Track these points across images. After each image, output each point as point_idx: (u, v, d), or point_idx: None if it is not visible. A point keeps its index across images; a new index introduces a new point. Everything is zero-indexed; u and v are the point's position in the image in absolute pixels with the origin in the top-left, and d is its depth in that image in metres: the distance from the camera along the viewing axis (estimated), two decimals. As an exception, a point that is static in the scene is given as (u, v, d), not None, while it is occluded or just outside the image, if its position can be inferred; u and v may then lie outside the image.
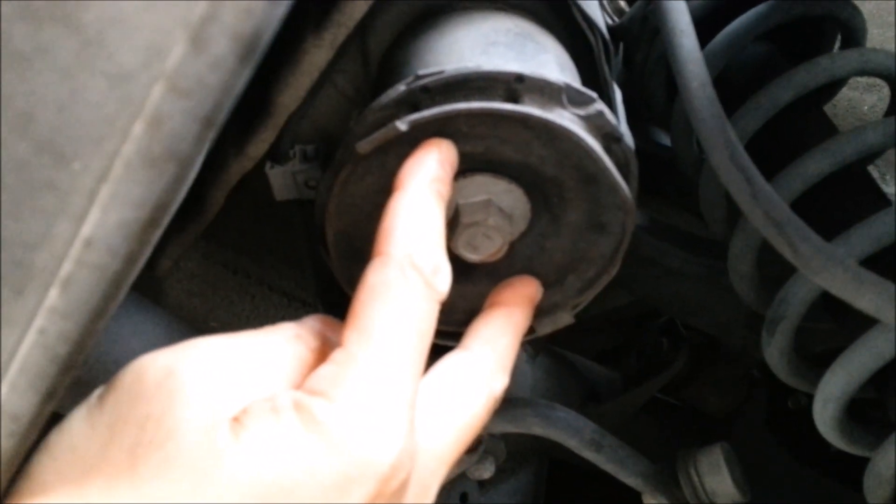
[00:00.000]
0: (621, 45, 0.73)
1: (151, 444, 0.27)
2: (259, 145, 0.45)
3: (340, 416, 0.30)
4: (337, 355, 0.33)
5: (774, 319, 0.52)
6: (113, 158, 0.20)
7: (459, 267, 0.48)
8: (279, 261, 0.70)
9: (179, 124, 0.20)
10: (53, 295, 0.21)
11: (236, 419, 0.29)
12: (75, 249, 0.21)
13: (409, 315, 0.35)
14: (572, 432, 0.58)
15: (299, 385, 0.33)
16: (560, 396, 0.78)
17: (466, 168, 0.44)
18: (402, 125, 0.40)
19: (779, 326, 0.52)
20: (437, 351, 0.63)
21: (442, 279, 0.38)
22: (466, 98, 0.41)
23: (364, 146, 0.41)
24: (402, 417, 0.32)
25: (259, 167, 0.52)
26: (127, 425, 0.28)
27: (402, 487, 0.32)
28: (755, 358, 0.73)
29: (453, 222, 0.45)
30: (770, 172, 0.50)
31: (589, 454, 0.58)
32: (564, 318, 0.51)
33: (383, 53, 0.52)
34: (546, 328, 0.51)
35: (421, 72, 0.42)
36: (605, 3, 0.75)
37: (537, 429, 0.58)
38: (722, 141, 0.45)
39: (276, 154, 0.54)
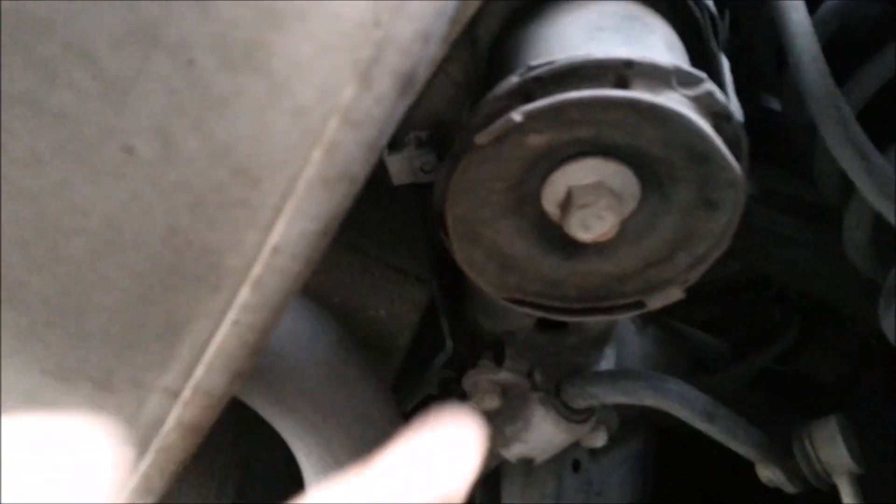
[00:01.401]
0: (727, 12, 0.72)
1: None
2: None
3: None
4: None
5: (893, 290, 0.52)
6: (295, 180, 0.23)
7: (570, 246, 0.51)
8: (396, 240, 0.74)
9: (350, 150, 0.23)
10: (245, 293, 0.25)
11: None
12: (264, 255, 0.25)
13: None
14: (685, 404, 0.59)
15: None
16: (669, 367, 0.79)
17: (577, 152, 0.46)
18: (517, 116, 0.43)
19: (897, 297, 0.51)
20: (545, 330, 0.65)
21: None
22: (577, 86, 0.43)
23: (482, 137, 0.44)
24: None
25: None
26: None
27: None
28: (871, 327, 0.71)
29: (566, 204, 0.47)
30: (886, 140, 0.49)
31: (702, 425, 0.60)
32: (675, 294, 0.52)
33: (492, 41, 0.54)
34: (656, 303, 0.53)
35: (532, 62, 0.44)
36: (710, -30, 0.74)
37: (649, 400, 0.60)
38: (834, 115, 0.45)
39: (392, 141, 0.58)
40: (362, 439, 0.65)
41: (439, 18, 0.23)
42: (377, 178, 0.61)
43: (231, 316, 0.26)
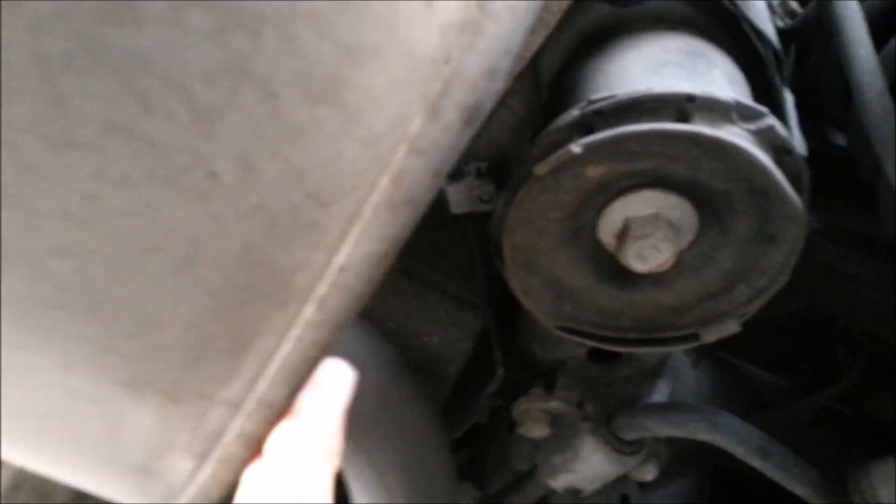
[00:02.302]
0: (793, 47, 0.72)
1: None
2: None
3: None
4: None
5: (961, 332, 0.50)
6: (363, 204, 0.25)
7: (626, 276, 0.51)
8: (452, 268, 0.75)
9: (416, 177, 0.25)
10: (310, 310, 0.27)
11: None
12: (330, 274, 0.26)
13: None
14: (738, 439, 0.58)
15: None
16: (724, 402, 0.78)
17: (636, 183, 0.47)
18: (576, 148, 0.44)
19: (967, 340, 0.50)
20: (600, 360, 0.65)
21: None
22: (638, 119, 0.44)
23: (541, 168, 0.45)
24: None
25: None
26: None
27: None
28: (941, 370, 0.69)
29: (622, 235, 0.48)
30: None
31: (755, 462, 0.59)
32: (731, 327, 0.52)
33: (555, 75, 0.56)
34: (712, 336, 0.53)
35: (593, 96, 0.45)
36: (775, 5, 0.74)
37: (702, 434, 0.59)
38: (901, 153, 0.44)
39: (452, 171, 0.59)
40: (412, 464, 0.65)
41: (506, 56, 0.24)
42: (436, 207, 0.62)
43: (295, 332, 0.27)
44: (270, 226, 0.26)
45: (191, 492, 0.36)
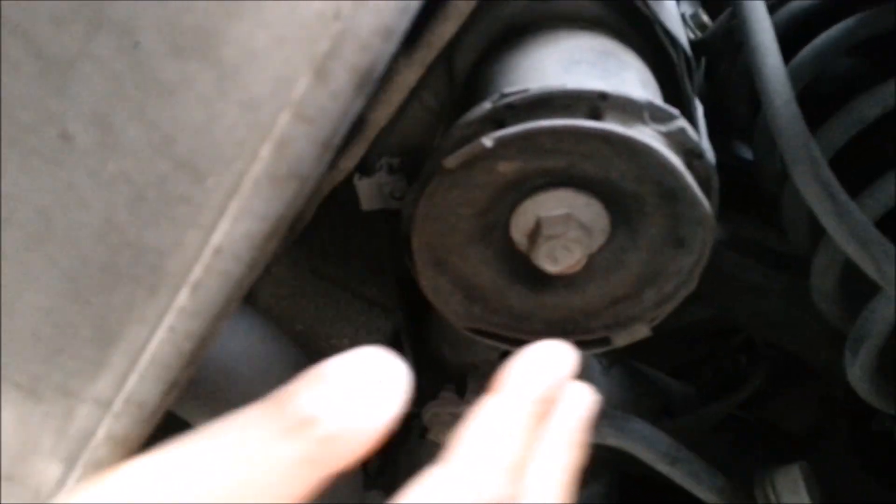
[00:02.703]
0: (703, 59, 0.73)
1: None
2: (351, 159, 0.47)
3: None
4: None
5: (858, 338, 0.51)
6: (242, 176, 0.22)
7: (538, 278, 0.50)
8: (363, 268, 0.72)
9: (302, 147, 0.22)
10: (183, 296, 0.24)
11: None
12: (205, 256, 0.23)
13: None
14: (647, 444, 0.58)
15: None
16: (633, 409, 0.78)
17: (548, 182, 0.46)
18: (487, 141, 0.42)
19: (863, 345, 0.51)
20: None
21: None
22: (550, 115, 0.43)
23: (451, 161, 0.43)
24: None
25: (347, 179, 0.54)
26: None
27: None
28: (838, 378, 0.71)
29: (534, 234, 0.47)
30: (856, 190, 0.49)
31: (663, 467, 0.59)
32: (641, 331, 0.52)
33: (468, 70, 0.54)
34: (623, 340, 0.52)
35: (506, 90, 0.44)
36: (687, 17, 0.75)
37: (612, 439, 0.59)
38: (806, 158, 0.45)
39: (364, 166, 0.57)
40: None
41: (402, 14, 0.22)
42: (346, 204, 0.60)
43: (167, 321, 0.24)
44: (135, 199, 0.23)
45: (60, 500, 0.32)
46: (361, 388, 0.24)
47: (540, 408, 0.30)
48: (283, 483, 0.23)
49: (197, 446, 0.23)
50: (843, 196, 0.44)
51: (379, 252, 0.71)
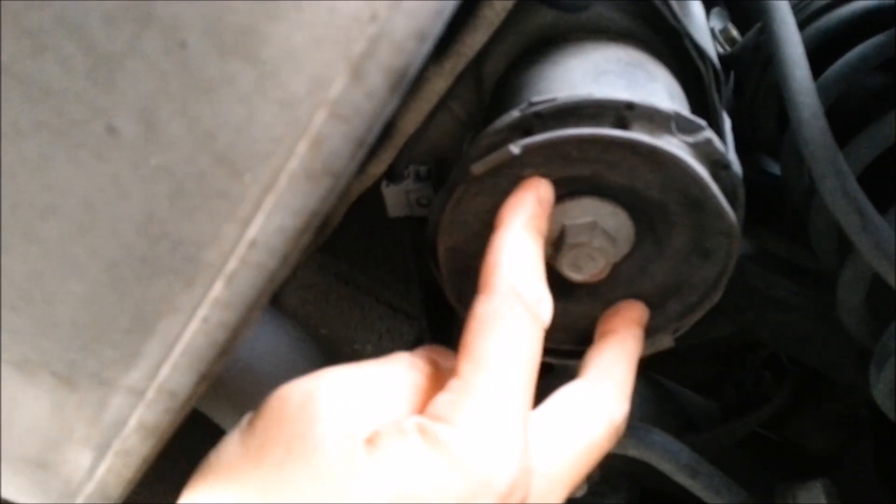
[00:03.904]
0: (732, 74, 0.73)
1: (298, 458, 0.31)
2: (379, 165, 0.48)
3: (462, 439, 0.33)
4: (454, 384, 0.37)
5: (884, 354, 0.51)
6: (278, 172, 0.23)
7: (562, 286, 0.50)
8: (388, 274, 0.73)
9: (337, 145, 0.23)
10: (218, 288, 0.25)
11: (369, 440, 0.33)
12: (240, 249, 0.24)
13: (517, 344, 0.38)
14: (668, 456, 0.58)
15: (419, 408, 0.37)
16: (655, 422, 0.78)
17: (574, 190, 0.46)
18: (514, 149, 0.43)
19: (888, 362, 0.51)
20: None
21: (545, 308, 0.41)
22: (577, 124, 0.43)
23: (478, 168, 0.44)
24: (517, 439, 0.34)
25: (375, 185, 0.55)
26: (275, 444, 0.32)
27: (518, 497, 0.35)
28: (863, 396, 0.70)
29: (559, 242, 0.47)
30: (884, 206, 0.49)
31: (684, 480, 0.58)
32: (665, 342, 0.52)
33: (497, 80, 0.55)
34: (646, 350, 0.52)
35: (534, 99, 0.44)
36: (716, 32, 0.75)
37: (632, 450, 0.59)
38: (833, 171, 0.45)
39: (391, 173, 0.58)
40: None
41: (436, 18, 0.22)
42: (373, 211, 0.61)
43: (202, 312, 0.25)
44: (176, 193, 0.24)
45: (89, 489, 0.33)
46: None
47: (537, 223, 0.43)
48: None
49: None
50: (870, 210, 0.44)
51: (404, 259, 0.72)
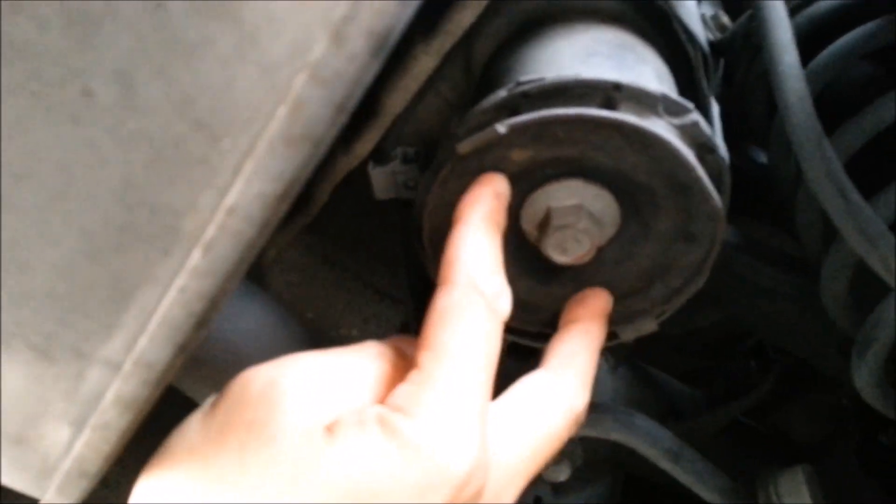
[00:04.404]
0: (722, 62, 0.73)
1: (257, 444, 0.31)
2: (365, 144, 0.48)
3: (419, 430, 0.33)
4: (413, 375, 0.37)
5: (866, 342, 0.51)
6: (258, 137, 0.23)
7: (547, 268, 0.50)
8: (374, 258, 0.73)
9: (317, 109, 0.23)
10: (196, 256, 0.24)
11: (329, 428, 0.33)
12: (219, 216, 0.24)
13: (476, 336, 0.38)
14: (651, 441, 0.58)
15: (382, 398, 0.37)
16: (639, 409, 0.78)
17: (560, 172, 0.46)
18: (501, 128, 0.43)
19: (870, 350, 0.51)
20: (518, 356, 0.64)
21: (504, 302, 0.41)
22: (565, 104, 0.43)
23: (464, 147, 0.44)
24: (475, 430, 0.35)
25: (362, 167, 0.55)
26: (236, 428, 0.32)
27: (477, 496, 0.35)
28: (847, 385, 0.71)
29: (544, 224, 0.47)
30: (871, 194, 0.49)
31: (666, 464, 0.59)
32: (648, 326, 0.52)
33: (486, 62, 0.55)
34: (629, 334, 0.52)
35: (522, 78, 0.44)
36: (707, 18, 0.75)
37: (615, 434, 0.59)
38: (818, 155, 0.45)
39: (378, 155, 0.57)
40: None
41: (417, -19, 0.22)
42: (359, 192, 0.61)
43: (179, 282, 0.25)
44: (153, 159, 0.23)
45: (66, 465, 0.33)
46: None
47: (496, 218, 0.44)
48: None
49: None
50: (854, 194, 0.44)
51: (391, 242, 0.72)
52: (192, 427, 0.34)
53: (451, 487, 0.33)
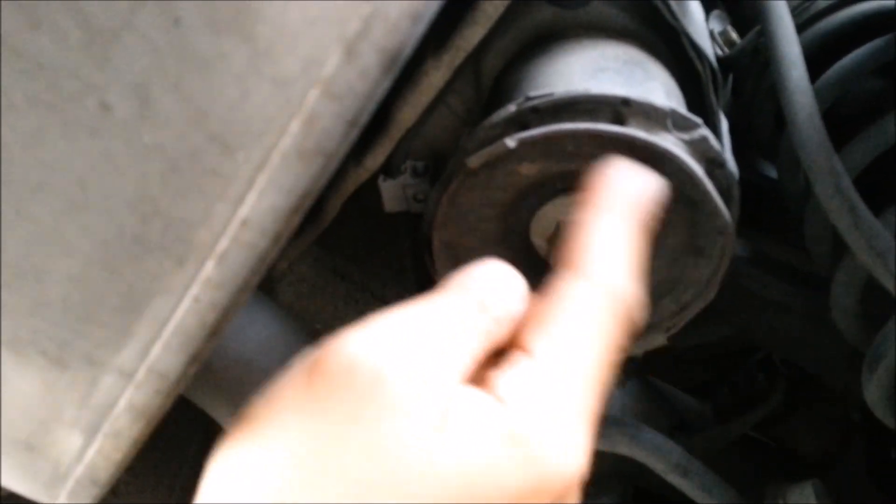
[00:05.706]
0: (730, 77, 0.73)
1: (367, 429, 0.29)
2: (376, 158, 0.48)
3: (535, 432, 0.31)
4: (527, 364, 0.33)
5: (876, 357, 0.51)
6: (271, 151, 0.23)
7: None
8: (384, 270, 0.73)
9: (329, 124, 0.23)
10: (209, 267, 0.25)
11: (439, 428, 0.31)
12: (232, 228, 0.24)
13: (607, 346, 0.33)
14: (659, 455, 0.58)
15: (483, 363, 0.33)
16: (648, 423, 0.78)
17: (569, 186, 0.46)
18: (510, 142, 0.43)
19: (880, 364, 0.51)
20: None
21: (641, 317, 0.36)
22: (574, 119, 0.43)
23: (474, 161, 0.44)
24: (587, 437, 0.32)
25: (372, 180, 0.55)
26: (340, 414, 0.30)
27: (573, 494, 0.34)
28: (856, 400, 0.70)
29: (554, 239, 0.47)
30: (880, 209, 0.49)
31: (675, 479, 0.58)
32: (658, 340, 0.52)
33: (495, 77, 0.55)
34: (639, 348, 0.52)
35: (531, 93, 0.45)
36: (716, 34, 0.75)
37: (624, 448, 0.59)
38: (827, 171, 0.45)
39: (388, 168, 0.58)
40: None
41: (430, -1, 0.23)
42: (369, 205, 0.61)
43: (193, 292, 0.25)
44: (168, 171, 0.24)
45: (78, 472, 0.33)
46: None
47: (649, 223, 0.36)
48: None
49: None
50: (864, 209, 0.44)
51: (400, 255, 0.72)
52: (290, 392, 0.29)
53: (555, 495, 0.32)
